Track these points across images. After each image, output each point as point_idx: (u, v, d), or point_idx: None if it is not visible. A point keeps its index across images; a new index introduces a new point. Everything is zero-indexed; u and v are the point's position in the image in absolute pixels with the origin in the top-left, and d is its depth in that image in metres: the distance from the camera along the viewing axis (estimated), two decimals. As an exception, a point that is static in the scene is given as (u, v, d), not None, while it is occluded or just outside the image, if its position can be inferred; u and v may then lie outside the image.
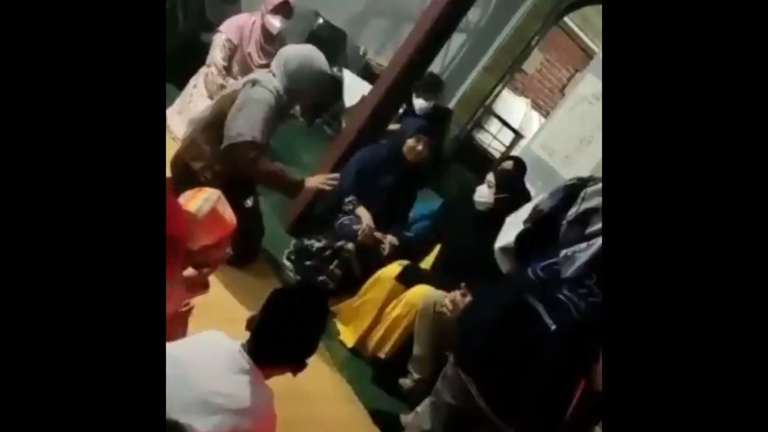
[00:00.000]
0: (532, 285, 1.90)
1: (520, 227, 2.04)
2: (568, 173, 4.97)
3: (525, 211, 2.08)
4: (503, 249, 2.10)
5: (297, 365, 1.70)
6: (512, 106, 7.93)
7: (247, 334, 1.68)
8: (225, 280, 2.92)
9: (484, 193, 3.17)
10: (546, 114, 8.27)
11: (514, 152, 6.96)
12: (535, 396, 1.84)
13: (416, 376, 2.98)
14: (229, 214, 2.07)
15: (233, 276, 2.99)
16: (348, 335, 3.22)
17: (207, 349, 1.64)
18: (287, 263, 3.49)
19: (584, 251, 1.83)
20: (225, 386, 1.60)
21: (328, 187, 3.13)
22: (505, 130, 7.78)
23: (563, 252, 1.86)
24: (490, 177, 3.21)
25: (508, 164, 3.71)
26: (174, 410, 1.49)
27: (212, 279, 2.35)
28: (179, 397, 1.52)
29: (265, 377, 1.67)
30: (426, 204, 4.11)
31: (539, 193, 3.10)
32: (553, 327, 1.83)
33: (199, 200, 2.01)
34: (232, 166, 2.98)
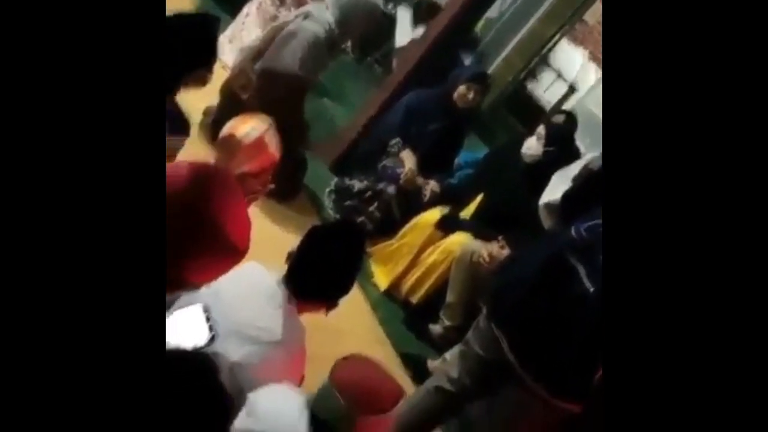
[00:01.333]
0: (574, 245, 1.86)
1: (568, 185, 1.98)
2: (621, 132, 4.80)
3: (574, 168, 2.02)
4: (548, 205, 2.06)
5: (330, 303, 1.71)
6: (569, 57, 7.65)
7: (284, 269, 1.70)
8: (266, 213, 2.95)
9: (532, 146, 3.09)
10: (603, 68, 7.98)
11: (567, 106, 6.77)
12: (566, 357, 1.82)
13: (447, 323, 2.99)
14: (274, 146, 2.06)
15: (274, 209, 3.01)
16: (382, 277, 3.24)
17: (246, 281, 1.66)
18: (328, 201, 3.49)
19: (632, 215, 1.77)
20: (260, 318, 1.62)
21: None
22: (559, 81, 7.54)
23: (610, 213, 1.81)
24: (541, 129, 3.12)
25: (559, 118, 3.56)
26: (209, 338, 1.53)
27: (254, 211, 2.37)
28: (217, 325, 1.55)
29: (299, 312, 1.69)
30: (471, 152, 4.04)
31: (588, 151, 3.02)
32: (592, 289, 1.79)
33: (248, 126, 2.01)
34: (273, 96, 2.96)
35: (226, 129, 2.02)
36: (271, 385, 1.43)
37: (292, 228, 2.89)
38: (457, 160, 3.79)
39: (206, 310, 1.55)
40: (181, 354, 1.06)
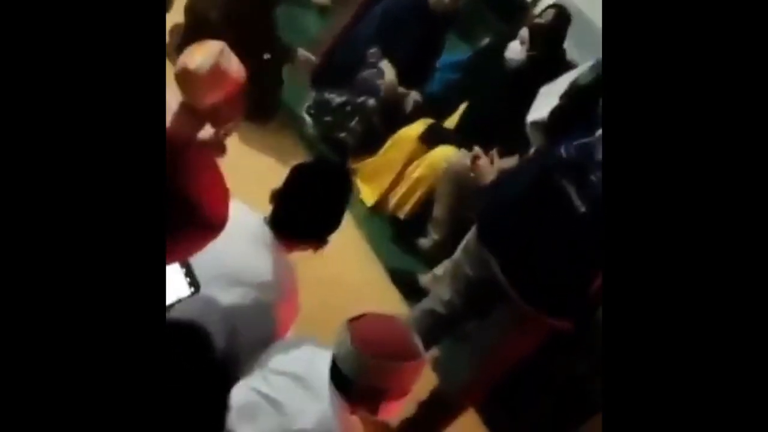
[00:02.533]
0: (563, 164, 1.82)
1: (555, 101, 1.91)
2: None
3: (561, 82, 1.94)
4: (535, 123, 1.99)
5: (318, 242, 1.68)
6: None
7: (269, 205, 1.65)
8: (243, 139, 2.86)
9: (515, 50, 2.97)
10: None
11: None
12: (556, 276, 1.83)
13: (435, 237, 2.99)
14: (235, 68, 1.94)
15: (252, 133, 2.92)
16: (368, 194, 3.20)
17: (232, 222, 1.62)
18: (307, 117, 3.39)
19: (622, 132, 1.72)
20: (249, 260, 1.60)
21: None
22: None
23: (599, 131, 1.76)
24: (524, 32, 3.00)
25: (547, 15, 3.32)
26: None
27: (230, 139, 2.28)
28: (204, 269, 1.52)
29: (287, 251, 1.66)
30: (450, 54, 3.86)
31: (580, 57, 2.89)
32: (582, 209, 1.77)
33: (198, 57, 1.88)
34: (241, 9, 2.81)
35: (180, 63, 1.89)
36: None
37: (274, 152, 2.82)
38: (437, 63, 3.65)
39: (184, 263, 1.51)
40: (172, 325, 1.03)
